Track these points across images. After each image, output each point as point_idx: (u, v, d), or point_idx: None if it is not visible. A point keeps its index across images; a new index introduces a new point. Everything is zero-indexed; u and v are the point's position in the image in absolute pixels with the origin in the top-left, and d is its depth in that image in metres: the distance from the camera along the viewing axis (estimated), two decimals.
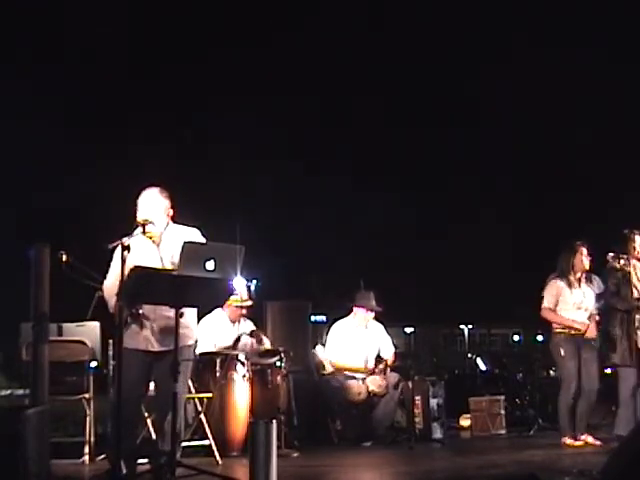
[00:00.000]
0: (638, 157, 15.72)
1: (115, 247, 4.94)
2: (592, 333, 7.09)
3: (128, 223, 5.19)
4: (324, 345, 8.02)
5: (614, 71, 16.66)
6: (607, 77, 16.84)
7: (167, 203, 5.30)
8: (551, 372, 9.02)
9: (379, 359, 7.87)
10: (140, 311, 5.11)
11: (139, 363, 5.07)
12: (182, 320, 4.96)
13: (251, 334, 7.54)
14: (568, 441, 6.91)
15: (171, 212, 5.33)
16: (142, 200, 5.25)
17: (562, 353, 7.03)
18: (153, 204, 5.23)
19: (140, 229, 5.09)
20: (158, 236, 5.22)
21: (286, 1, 17.96)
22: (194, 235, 5.25)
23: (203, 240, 5.20)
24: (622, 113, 16.74)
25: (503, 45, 17.60)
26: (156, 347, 5.14)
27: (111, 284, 5.21)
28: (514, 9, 16.78)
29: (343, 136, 21.39)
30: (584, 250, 7.13)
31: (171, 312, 5.03)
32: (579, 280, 7.14)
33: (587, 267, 7.15)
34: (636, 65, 15.34)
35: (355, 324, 7.92)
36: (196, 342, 5.45)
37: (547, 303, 7.16)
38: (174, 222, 5.36)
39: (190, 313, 5.25)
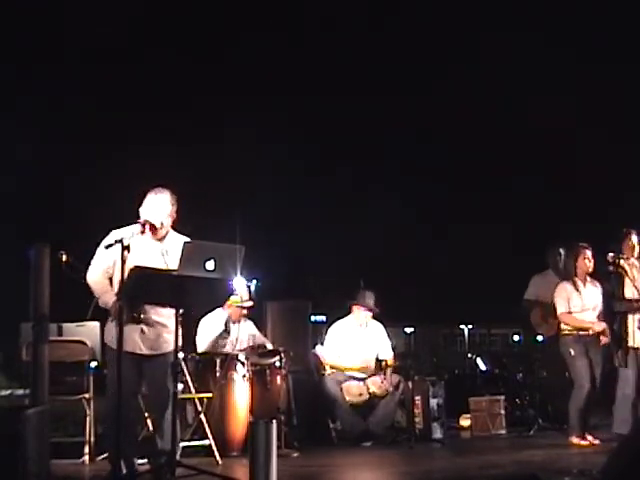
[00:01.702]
0: (639, 157, 15.72)
1: (112, 245, 4.93)
2: (605, 339, 7.10)
3: (128, 223, 5.21)
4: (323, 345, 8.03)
5: (614, 71, 16.66)
6: (607, 77, 16.85)
7: (173, 209, 5.30)
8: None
9: (379, 360, 7.87)
10: (142, 315, 5.12)
11: (128, 364, 5.07)
12: (170, 325, 5.11)
13: (253, 348, 7.53)
14: (575, 440, 6.90)
15: (174, 216, 5.34)
16: (152, 201, 5.24)
17: (572, 353, 7.03)
18: (162, 208, 5.23)
19: (139, 228, 5.09)
20: (163, 240, 5.24)
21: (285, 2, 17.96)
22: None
23: None
24: (622, 113, 16.74)
25: (503, 44, 17.59)
26: (143, 351, 5.20)
27: (97, 278, 5.21)
28: (515, 9, 16.79)
29: (343, 136, 21.40)
30: (587, 253, 7.13)
31: (160, 317, 5.16)
32: (584, 281, 7.14)
33: (590, 270, 7.14)
34: (636, 65, 15.34)
35: (355, 324, 7.91)
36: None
37: (562, 308, 7.14)
38: (173, 229, 5.37)
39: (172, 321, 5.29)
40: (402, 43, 18.85)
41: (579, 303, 7.09)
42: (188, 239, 5.29)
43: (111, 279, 5.24)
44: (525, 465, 5.93)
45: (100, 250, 5.23)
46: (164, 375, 5.15)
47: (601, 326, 7.03)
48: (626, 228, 7.24)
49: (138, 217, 5.21)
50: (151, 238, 5.22)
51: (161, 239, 5.26)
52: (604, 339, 7.06)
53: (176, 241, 5.24)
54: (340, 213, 22.33)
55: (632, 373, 7.03)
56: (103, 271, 5.22)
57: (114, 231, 5.24)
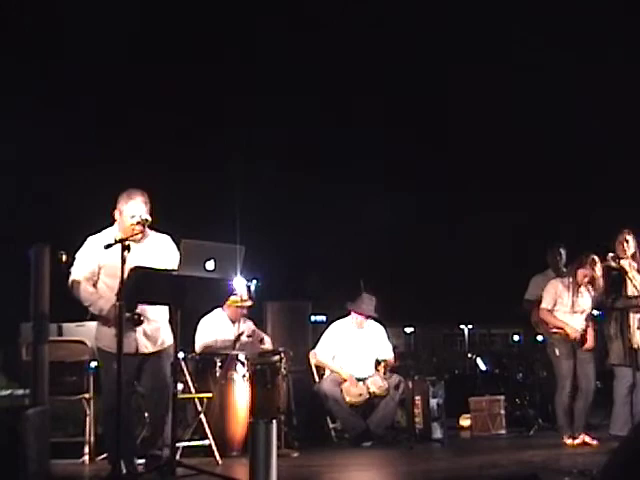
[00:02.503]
0: (638, 157, 15.73)
1: (112, 245, 4.92)
2: (591, 344, 7.09)
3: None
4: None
5: (614, 71, 16.67)
6: (606, 77, 16.85)
7: (149, 208, 5.29)
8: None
9: (379, 361, 7.87)
10: (142, 318, 5.13)
11: (125, 365, 5.06)
12: (165, 322, 5.21)
13: (251, 335, 7.55)
14: (567, 441, 6.92)
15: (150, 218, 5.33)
16: (132, 205, 5.22)
17: (557, 353, 7.06)
18: (142, 209, 5.22)
19: (139, 228, 5.10)
20: (142, 242, 5.24)
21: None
22: (170, 243, 5.28)
23: (175, 248, 5.17)
24: (622, 113, 16.74)
25: (501, 44, 17.60)
26: (142, 350, 5.22)
27: (83, 287, 5.19)
28: (514, 8, 16.78)
29: (343, 136, 21.40)
30: (590, 271, 7.01)
31: (156, 315, 5.20)
32: (578, 285, 7.12)
33: (586, 282, 7.09)
34: (636, 65, 15.34)
35: (353, 326, 7.92)
36: (171, 346, 5.46)
37: (545, 304, 7.18)
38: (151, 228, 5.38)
39: (163, 319, 5.33)
40: (402, 43, 18.85)
41: (569, 304, 7.07)
42: (168, 237, 5.31)
43: (94, 285, 5.24)
44: (525, 465, 5.92)
45: (79, 259, 5.24)
46: (164, 373, 5.17)
47: (576, 333, 7.02)
48: (621, 229, 7.24)
49: (114, 221, 5.24)
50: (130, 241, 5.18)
51: (139, 241, 5.24)
52: (589, 344, 7.05)
53: (157, 240, 5.29)
54: (340, 213, 22.32)
55: (628, 371, 7.04)
56: (86, 279, 5.21)
57: (91, 237, 5.26)
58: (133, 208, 5.19)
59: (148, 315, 5.20)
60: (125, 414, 4.88)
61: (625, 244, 7.14)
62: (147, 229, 5.29)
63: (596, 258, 7.01)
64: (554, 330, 7.11)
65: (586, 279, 7.03)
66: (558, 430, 7.09)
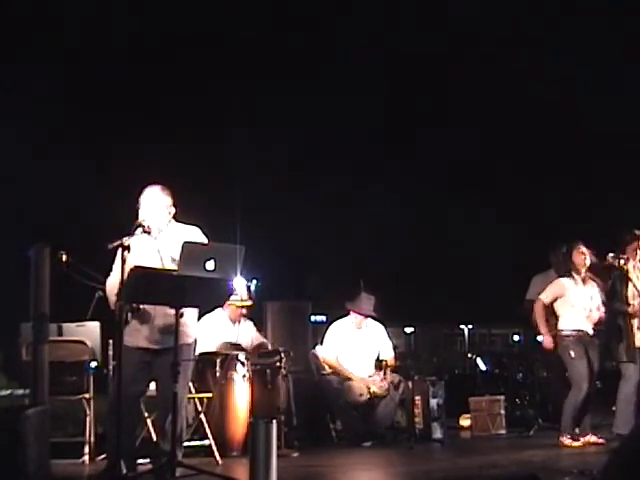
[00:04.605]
0: (638, 157, 15.73)
1: (116, 247, 4.93)
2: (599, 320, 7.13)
3: (128, 223, 5.19)
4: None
5: (612, 71, 16.68)
6: (605, 77, 16.86)
7: (169, 201, 5.29)
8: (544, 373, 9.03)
9: (379, 360, 7.87)
10: (140, 306, 5.10)
11: (137, 361, 5.08)
12: (181, 319, 5.00)
13: (258, 347, 7.55)
14: (567, 441, 6.90)
15: (173, 210, 5.32)
16: (144, 198, 5.24)
17: (572, 355, 7.02)
18: (154, 202, 5.22)
19: (140, 229, 5.09)
20: (159, 235, 5.21)
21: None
22: (195, 234, 5.24)
23: (204, 239, 5.20)
24: (621, 113, 16.74)
25: (497, 44, 17.59)
26: (155, 345, 5.15)
27: (114, 282, 5.19)
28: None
29: (343, 135, 21.39)
30: (581, 247, 7.12)
31: (171, 310, 5.00)
32: (584, 280, 7.12)
33: (587, 264, 7.11)
34: (634, 65, 15.35)
35: (353, 325, 7.93)
36: (195, 341, 5.43)
37: (544, 297, 7.19)
38: (176, 220, 5.36)
39: (190, 312, 5.25)
40: (400, 43, 18.85)
41: (578, 302, 7.06)
42: (194, 228, 5.28)
43: None
44: (525, 465, 5.92)
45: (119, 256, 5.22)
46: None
47: (549, 344, 7.11)
48: (629, 230, 7.25)
49: (137, 217, 5.21)
50: (147, 235, 5.20)
51: (157, 234, 5.24)
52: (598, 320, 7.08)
53: (175, 232, 5.22)
54: (340, 213, 22.31)
55: (635, 370, 7.04)
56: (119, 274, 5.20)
57: None
58: (144, 205, 5.21)
59: (163, 311, 5.11)
60: (126, 410, 4.86)
61: (639, 250, 7.15)
62: (172, 221, 5.28)
63: (580, 242, 7.07)
64: (566, 333, 7.09)
65: (584, 257, 7.06)
66: (560, 430, 7.05)
